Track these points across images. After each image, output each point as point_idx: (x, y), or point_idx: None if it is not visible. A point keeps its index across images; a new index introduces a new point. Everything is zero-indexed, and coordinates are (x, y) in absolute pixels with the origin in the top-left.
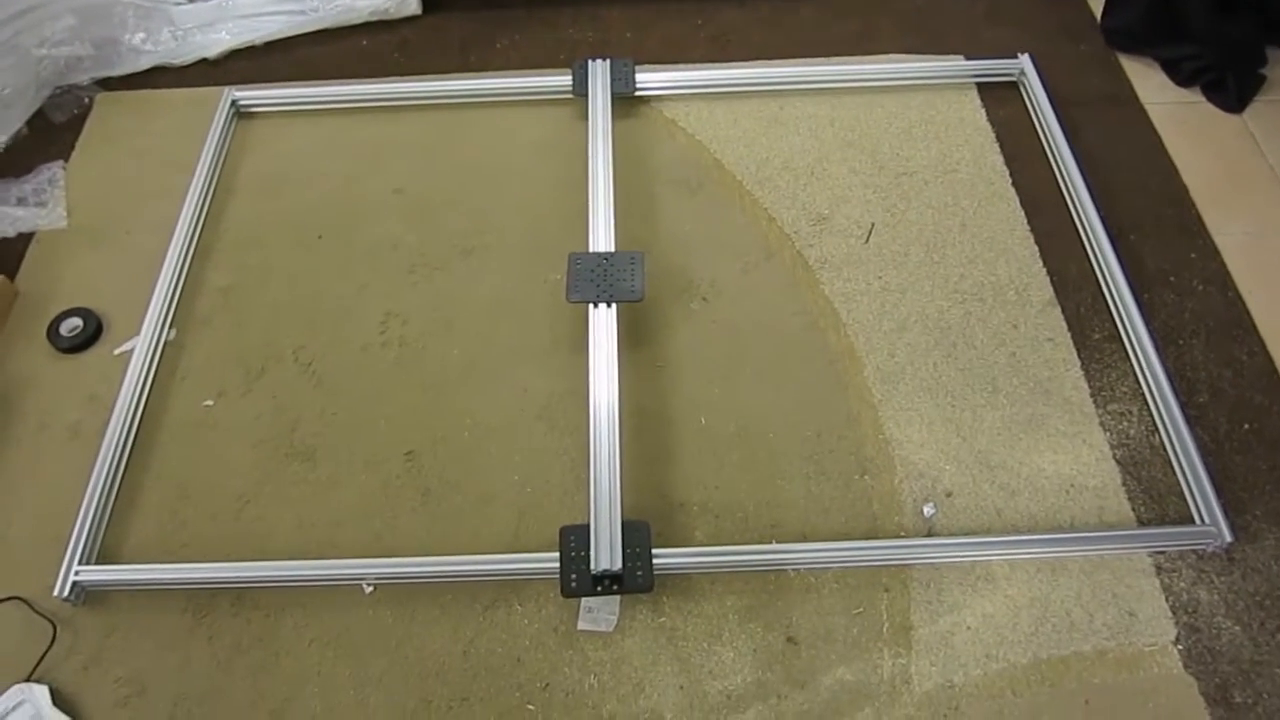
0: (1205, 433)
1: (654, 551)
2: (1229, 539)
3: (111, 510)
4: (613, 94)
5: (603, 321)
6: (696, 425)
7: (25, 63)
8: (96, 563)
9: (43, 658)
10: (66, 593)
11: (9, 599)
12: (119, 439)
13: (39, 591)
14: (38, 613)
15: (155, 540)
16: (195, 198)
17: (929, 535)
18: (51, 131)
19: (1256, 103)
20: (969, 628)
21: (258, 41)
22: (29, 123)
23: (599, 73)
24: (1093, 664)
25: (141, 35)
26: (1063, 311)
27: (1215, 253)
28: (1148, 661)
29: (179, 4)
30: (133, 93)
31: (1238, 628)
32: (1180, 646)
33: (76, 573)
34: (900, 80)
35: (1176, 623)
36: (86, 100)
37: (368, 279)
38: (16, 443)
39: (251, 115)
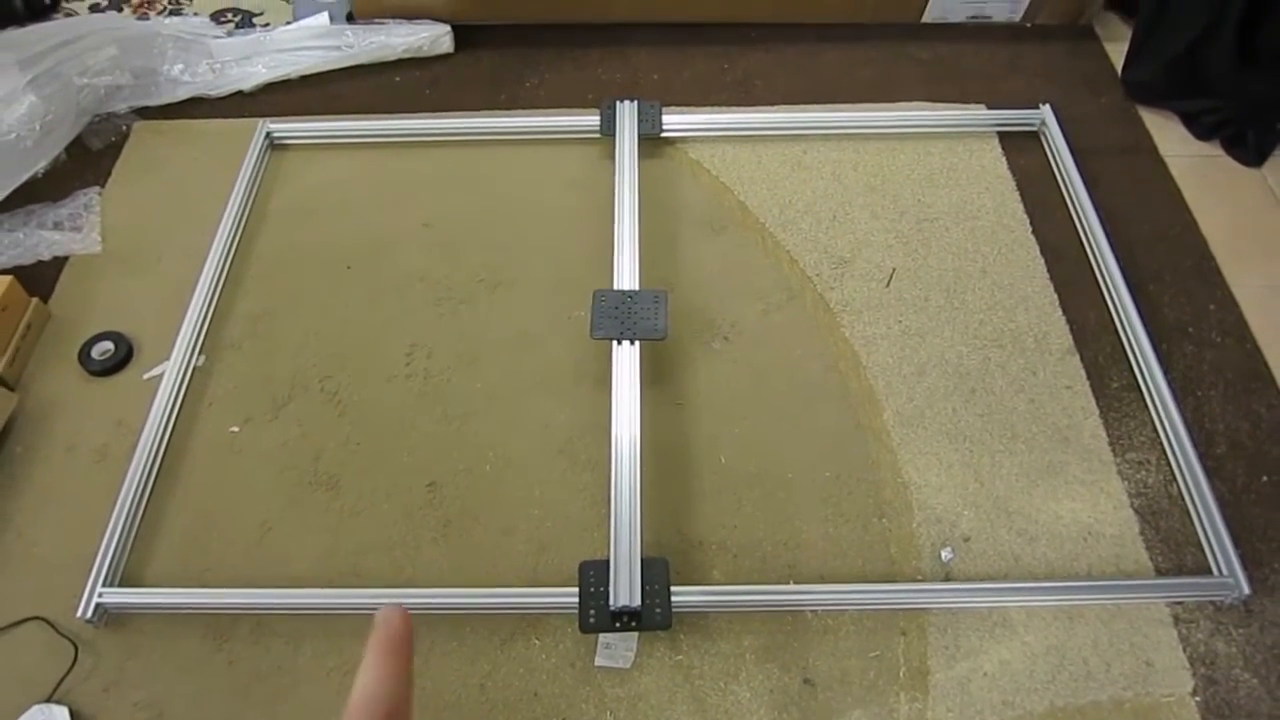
0: (1223, 484)
1: (672, 589)
2: (1247, 591)
3: (136, 533)
4: (639, 135)
5: (625, 359)
6: (716, 464)
7: (66, 91)
8: (120, 585)
9: (63, 678)
10: (89, 614)
11: (32, 619)
12: (146, 463)
13: (62, 612)
14: (60, 633)
15: (178, 564)
16: (228, 226)
17: (946, 580)
18: (89, 158)
19: (1276, 157)
20: (986, 674)
21: (293, 75)
22: (68, 149)
23: (626, 113)
24: (1110, 714)
25: (180, 67)
26: (1081, 360)
27: (1234, 305)
28: (1165, 713)
29: (217, 37)
30: (170, 122)
31: (1256, 680)
32: (1198, 698)
33: (100, 594)
34: (922, 128)
35: (1194, 674)
36: (124, 128)
37: (394, 311)
38: (45, 463)
39: (285, 147)
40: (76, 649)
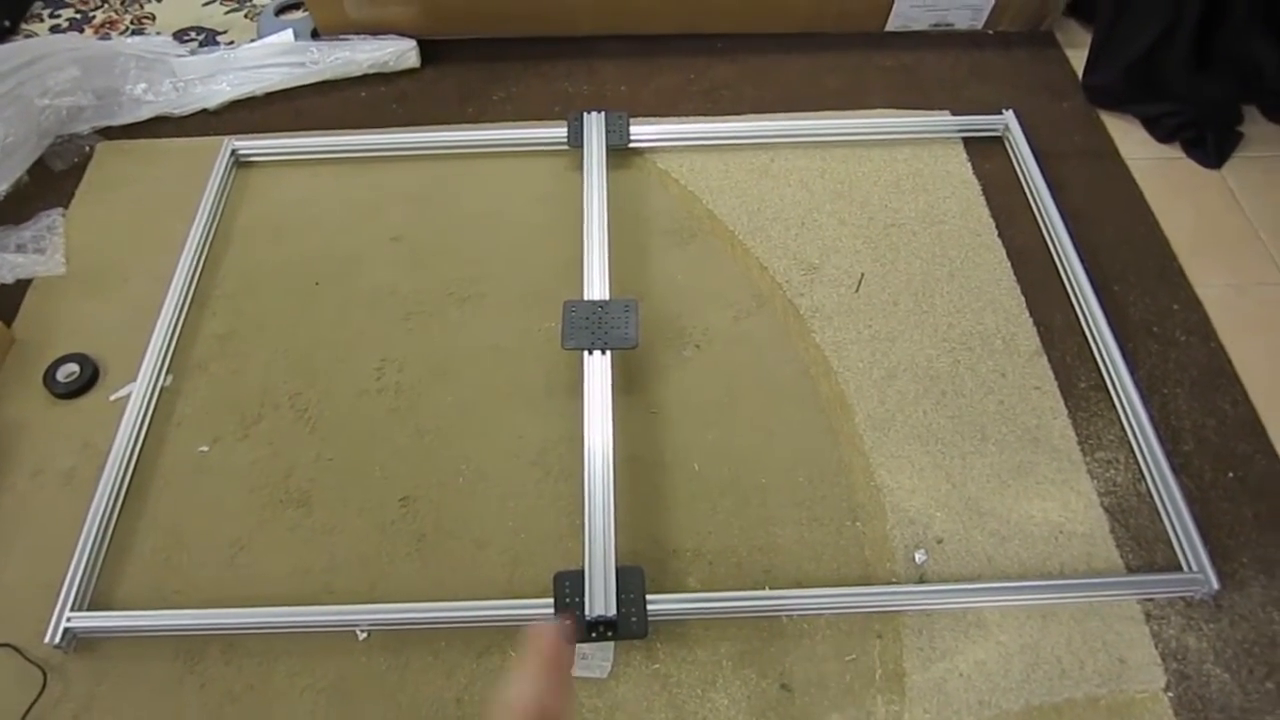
0: (1191, 481)
1: (648, 597)
2: (1216, 586)
3: (105, 556)
4: (607, 146)
5: (597, 368)
6: (690, 471)
7: (28, 112)
8: (89, 609)
9: (31, 706)
10: (58, 639)
11: None
12: (113, 485)
13: (29, 639)
14: (28, 660)
15: (148, 586)
16: (194, 245)
17: (920, 581)
18: (52, 179)
19: (1235, 159)
20: (962, 674)
21: (258, 92)
22: (29, 171)
23: (594, 125)
24: (1085, 711)
25: (143, 86)
26: (1049, 360)
27: (1197, 304)
28: (1139, 709)
29: (180, 56)
30: (133, 142)
31: (1227, 675)
32: (1171, 694)
33: (68, 619)
34: (888, 134)
35: (1166, 670)
36: (87, 149)
37: (364, 326)
38: (10, 489)
39: (250, 164)
40: (45, 676)
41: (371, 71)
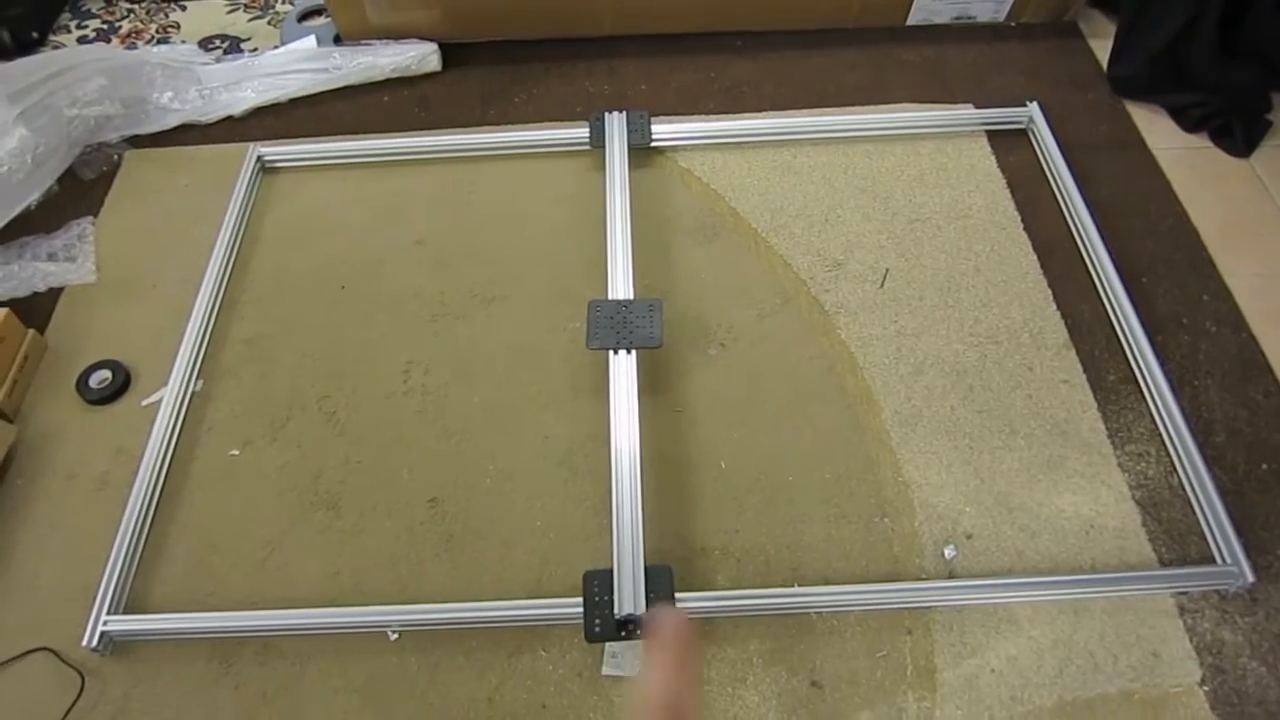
0: (1223, 473)
1: (676, 595)
2: (1251, 579)
3: (139, 560)
4: (629, 145)
5: (622, 368)
6: (716, 469)
7: (57, 122)
8: (124, 613)
9: (70, 709)
10: (95, 643)
11: (38, 650)
12: (146, 489)
13: (67, 642)
14: (66, 663)
15: (182, 589)
16: (222, 251)
17: (950, 577)
18: (81, 188)
19: (1264, 147)
20: (993, 670)
21: (282, 99)
22: (60, 180)
23: (615, 124)
24: (1119, 706)
25: (170, 94)
26: (1078, 354)
27: (1227, 295)
28: (1174, 703)
29: (206, 64)
30: (161, 150)
31: (1263, 669)
32: (1206, 688)
33: (105, 623)
34: (911, 129)
35: (1201, 664)
36: (116, 157)
37: (390, 328)
38: (45, 494)
39: (276, 170)
40: (83, 679)
41: (394, 76)
